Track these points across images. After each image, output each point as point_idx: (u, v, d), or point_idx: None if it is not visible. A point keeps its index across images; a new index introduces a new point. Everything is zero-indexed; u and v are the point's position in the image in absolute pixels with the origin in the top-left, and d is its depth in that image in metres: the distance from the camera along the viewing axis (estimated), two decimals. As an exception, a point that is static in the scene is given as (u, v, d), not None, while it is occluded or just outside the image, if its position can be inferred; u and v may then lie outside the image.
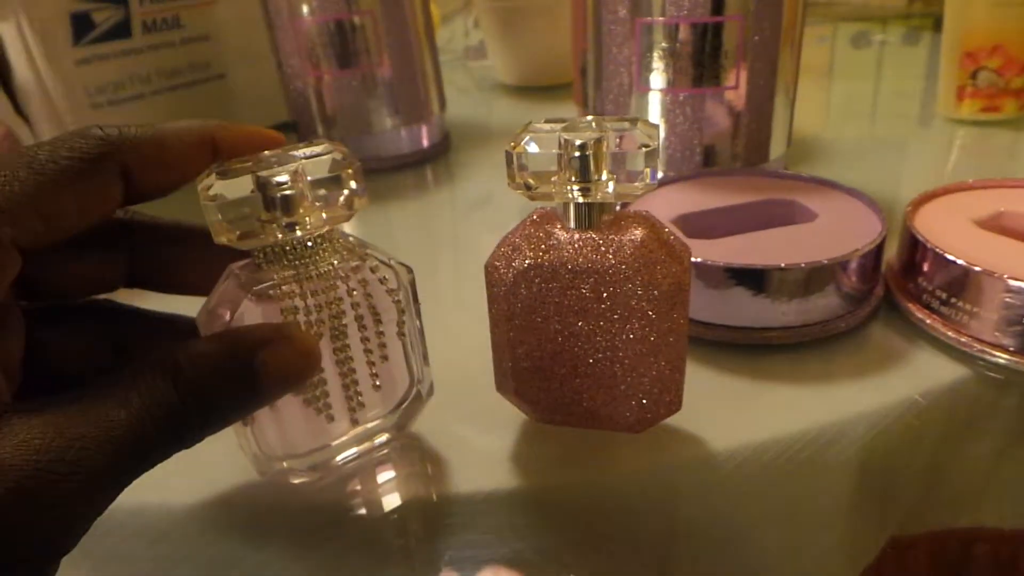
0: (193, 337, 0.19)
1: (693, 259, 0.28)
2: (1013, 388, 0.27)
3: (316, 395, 0.22)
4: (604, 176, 0.21)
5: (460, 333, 0.30)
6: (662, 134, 0.40)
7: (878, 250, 0.30)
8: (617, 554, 0.22)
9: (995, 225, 0.32)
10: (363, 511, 0.24)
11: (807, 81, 0.62)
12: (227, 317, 0.20)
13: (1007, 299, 0.26)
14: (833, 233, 0.31)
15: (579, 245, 0.22)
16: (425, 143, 0.54)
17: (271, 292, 0.20)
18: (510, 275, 0.22)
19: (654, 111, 0.40)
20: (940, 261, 0.29)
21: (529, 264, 0.22)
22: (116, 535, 0.23)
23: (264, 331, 0.19)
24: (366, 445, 0.25)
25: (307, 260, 0.21)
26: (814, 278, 0.28)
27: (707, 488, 0.24)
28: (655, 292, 0.21)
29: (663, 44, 0.38)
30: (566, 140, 0.20)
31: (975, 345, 0.28)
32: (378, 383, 0.23)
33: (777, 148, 0.42)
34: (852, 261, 0.28)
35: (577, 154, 0.20)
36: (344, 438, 0.24)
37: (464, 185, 0.52)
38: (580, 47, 0.57)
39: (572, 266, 0.21)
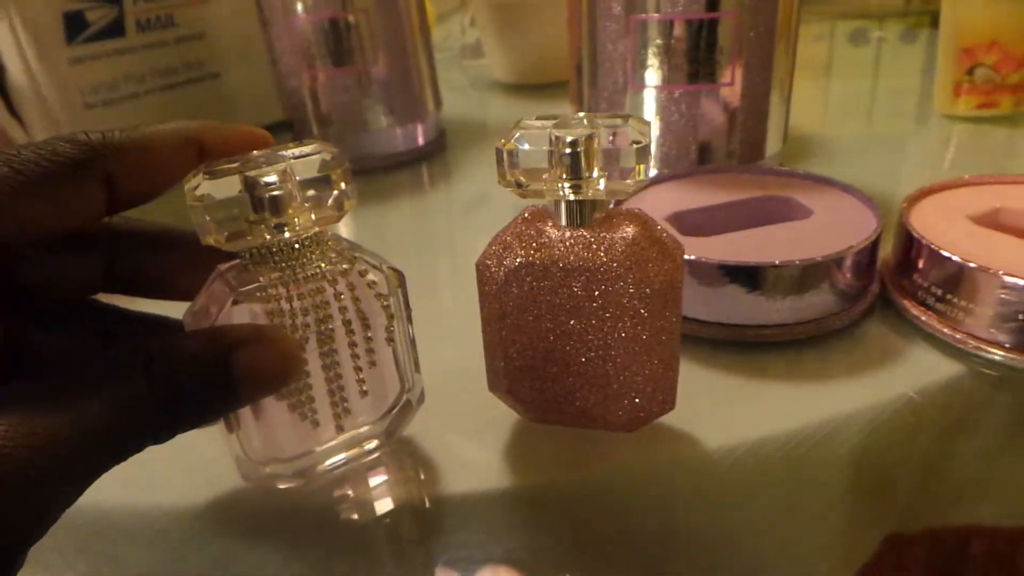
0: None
1: (687, 256, 0.28)
2: (1009, 385, 0.27)
3: (301, 400, 0.22)
4: (596, 173, 0.21)
5: (453, 332, 0.30)
6: (657, 131, 0.40)
7: (873, 247, 0.30)
8: (611, 553, 0.22)
9: (991, 221, 0.31)
10: (356, 512, 0.23)
11: (804, 78, 0.62)
12: (212, 318, 0.19)
13: (1002, 295, 0.26)
14: (828, 230, 0.31)
15: (571, 243, 0.21)
16: (421, 142, 0.54)
17: (257, 294, 0.20)
18: (501, 273, 0.22)
19: (649, 108, 0.40)
20: (936, 258, 0.28)
21: (520, 262, 0.22)
22: (110, 536, 0.23)
23: (243, 331, 0.19)
24: (355, 451, 0.24)
25: (294, 262, 0.20)
26: (809, 275, 0.28)
27: (702, 487, 0.24)
28: (647, 290, 0.21)
29: (658, 41, 0.38)
30: (557, 137, 0.20)
31: (970, 342, 0.28)
32: (365, 389, 0.23)
33: (773, 145, 0.42)
34: (847, 258, 0.28)
35: (568, 151, 0.20)
36: (331, 444, 0.24)
37: (460, 184, 0.52)
38: (575, 44, 0.57)
39: (564, 264, 0.21)
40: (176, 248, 0.22)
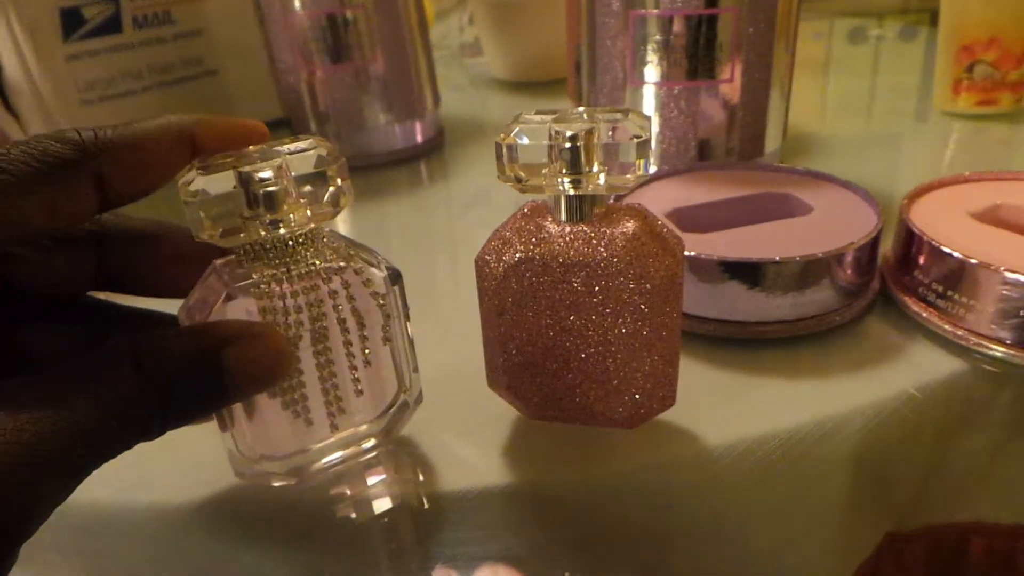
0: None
1: (687, 253, 0.27)
2: (1010, 381, 0.27)
3: (294, 398, 0.21)
4: (595, 168, 0.21)
5: (453, 329, 0.30)
6: (656, 128, 0.40)
7: (874, 243, 0.29)
8: (610, 550, 0.22)
9: (992, 218, 0.31)
10: (353, 510, 0.23)
11: (803, 77, 0.62)
12: (205, 313, 0.19)
13: (1004, 291, 0.26)
14: (828, 226, 0.31)
15: (570, 238, 0.21)
16: (419, 139, 0.54)
17: (251, 289, 0.20)
18: (500, 269, 0.22)
19: (648, 105, 0.40)
20: (936, 254, 0.28)
21: (520, 258, 0.22)
22: (107, 535, 0.23)
23: (233, 327, 0.19)
24: (352, 450, 0.24)
25: (288, 259, 0.20)
26: (809, 271, 0.28)
27: (701, 484, 0.24)
28: (647, 285, 0.21)
29: (657, 37, 0.38)
30: (556, 131, 0.20)
31: (971, 338, 0.27)
32: (361, 388, 0.23)
33: (772, 142, 0.42)
34: (848, 254, 0.28)
35: (568, 145, 0.20)
36: (327, 442, 0.23)
37: (458, 181, 0.51)
38: (574, 41, 0.56)
39: (563, 259, 0.21)
40: (167, 244, 0.22)
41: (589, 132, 0.20)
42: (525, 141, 0.21)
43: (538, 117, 0.21)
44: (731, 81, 0.38)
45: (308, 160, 0.19)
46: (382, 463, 0.25)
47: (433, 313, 0.28)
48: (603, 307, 0.21)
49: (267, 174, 0.19)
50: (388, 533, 0.23)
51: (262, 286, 0.20)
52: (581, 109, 0.21)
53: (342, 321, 0.21)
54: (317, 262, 0.21)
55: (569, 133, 0.20)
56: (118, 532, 0.23)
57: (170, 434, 0.18)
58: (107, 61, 0.49)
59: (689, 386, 0.24)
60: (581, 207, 0.21)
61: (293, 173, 0.19)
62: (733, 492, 0.23)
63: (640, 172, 0.20)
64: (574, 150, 0.20)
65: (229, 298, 0.19)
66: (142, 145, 0.18)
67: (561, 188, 0.21)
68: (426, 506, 0.23)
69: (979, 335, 0.27)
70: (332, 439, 0.23)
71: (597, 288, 0.21)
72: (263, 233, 0.19)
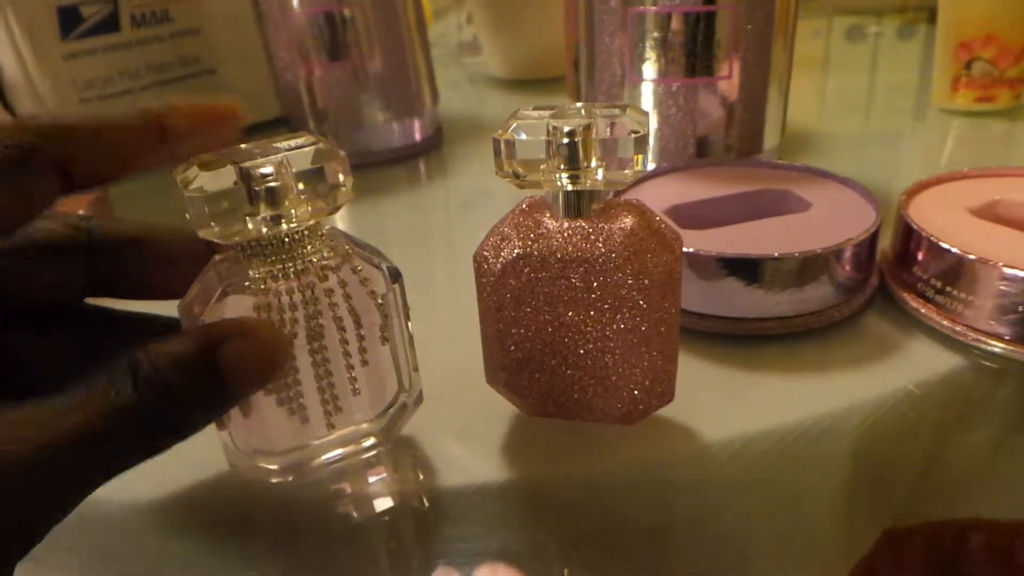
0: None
1: (685, 249, 0.27)
2: (1008, 377, 0.27)
3: (289, 395, 0.21)
4: (593, 163, 0.21)
5: (452, 326, 0.30)
6: (654, 125, 0.40)
7: (872, 239, 0.29)
8: (610, 546, 0.22)
9: (990, 213, 0.31)
10: (351, 507, 0.23)
11: (802, 75, 0.62)
12: (203, 308, 0.19)
13: (1002, 287, 0.26)
14: (827, 223, 0.31)
15: (568, 234, 0.21)
16: (417, 137, 0.54)
17: (247, 285, 0.20)
18: (499, 265, 0.22)
19: (647, 102, 0.40)
20: (935, 250, 0.28)
21: (518, 254, 0.22)
22: (102, 531, 0.23)
23: (227, 326, 0.18)
24: (351, 448, 0.24)
25: (285, 256, 0.20)
26: (808, 268, 0.28)
27: (700, 480, 0.24)
28: (646, 281, 0.21)
29: (655, 34, 0.38)
30: (554, 127, 0.20)
31: (970, 334, 0.27)
32: (357, 387, 0.22)
33: (771, 139, 0.42)
34: (846, 250, 0.28)
35: (565, 141, 0.20)
36: (326, 440, 0.23)
37: (457, 179, 0.51)
38: (572, 38, 0.56)
39: (561, 255, 0.21)
40: (157, 246, 0.22)
41: (587, 128, 0.20)
42: (523, 137, 0.21)
43: (536, 113, 0.21)
44: (729, 78, 0.38)
45: (307, 156, 0.19)
46: (381, 460, 0.25)
47: (431, 310, 0.28)
48: (601, 303, 0.21)
49: (268, 170, 0.19)
50: (387, 530, 0.23)
51: (259, 283, 0.20)
52: (579, 105, 0.21)
53: (338, 319, 0.21)
54: (314, 259, 0.21)
55: (567, 129, 0.20)
56: (113, 528, 0.23)
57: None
58: (105, 60, 0.49)
59: (687, 382, 0.24)
60: (579, 203, 0.21)
61: (294, 169, 0.19)
62: (731, 488, 0.23)
63: (638, 167, 0.20)
64: (572, 146, 0.20)
65: (225, 294, 0.19)
66: (103, 132, 0.18)
67: (559, 184, 0.21)
68: (425, 503, 0.23)
69: (978, 331, 0.27)
70: (332, 436, 0.23)
71: (595, 284, 0.21)
72: (264, 230, 0.19)
